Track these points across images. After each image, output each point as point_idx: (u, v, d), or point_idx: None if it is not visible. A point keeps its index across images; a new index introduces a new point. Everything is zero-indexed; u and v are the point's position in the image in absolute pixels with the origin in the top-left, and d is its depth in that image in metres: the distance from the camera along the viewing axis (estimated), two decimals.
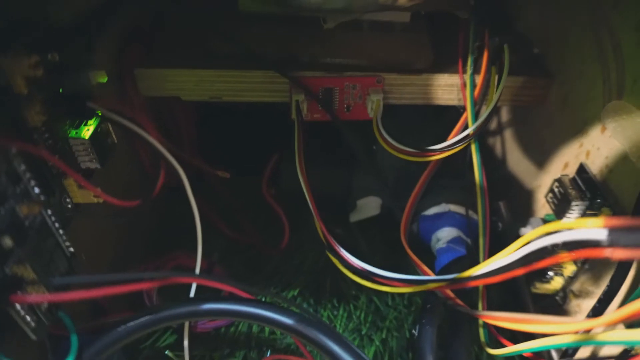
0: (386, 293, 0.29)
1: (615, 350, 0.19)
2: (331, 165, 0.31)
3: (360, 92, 0.27)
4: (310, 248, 0.32)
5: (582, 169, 0.24)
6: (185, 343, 0.22)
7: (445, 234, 0.28)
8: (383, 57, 0.27)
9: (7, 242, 0.14)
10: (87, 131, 0.20)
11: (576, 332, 0.15)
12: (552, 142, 0.28)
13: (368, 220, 0.31)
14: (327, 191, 0.30)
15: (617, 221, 0.13)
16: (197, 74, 0.26)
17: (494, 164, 0.35)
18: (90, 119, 0.20)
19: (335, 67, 0.26)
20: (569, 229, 0.14)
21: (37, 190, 0.16)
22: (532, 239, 0.15)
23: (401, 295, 0.29)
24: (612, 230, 0.13)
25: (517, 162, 0.32)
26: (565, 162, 0.26)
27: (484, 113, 0.24)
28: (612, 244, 0.13)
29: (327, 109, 0.26)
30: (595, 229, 0.13)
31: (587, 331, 0.15)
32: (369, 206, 0.30)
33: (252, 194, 0.33)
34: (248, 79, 0.27)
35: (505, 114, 0.35)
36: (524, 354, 0.18)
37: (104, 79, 0.20)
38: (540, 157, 0.29)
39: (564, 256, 0.14)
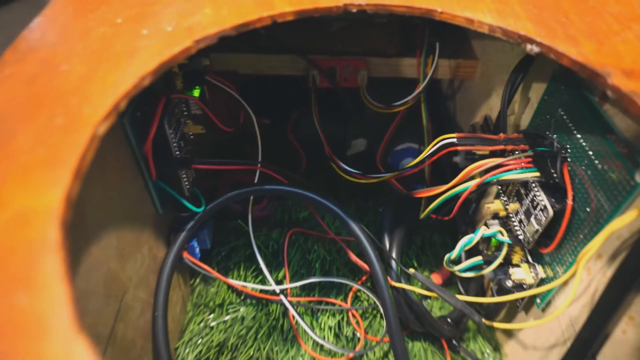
0: (368, 200, 0.46)
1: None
2: (334, 118, 0.48)
3: (353, 69, 0.43)
4: (318, 174, 0.49)
5: (485, 119, 0.41)
6: (249, 217, 0.39)
7: (407, 162, 0.45)
8: (368, 46, 0.43)
9: (188, 148, 0.31)
10: (196, 92, 0.36)
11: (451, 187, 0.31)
12: (476, 102, 0.44)
13: (358, 154, 0.48)
14: (331, 135, 0.47)
15: (461, 134, 0.30)
16: (249, 57, 0.42)
17: (449, 118, 0.52)
18: (197, 85, 0.37)
19: (336, 53, 0.42)
20: (446, 138, 0.31)
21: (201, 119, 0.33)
22: (435, 143, 0.32)
23: (377, 201, 0.46)
24: (459, 138, 0.30)
25: (461, 115, 0.49)
26: (482, 114, 0.43)
27: (425, 81, 0.40)
28: (459, 144, 0.30)
29: (331, 80, 0.43)
30: (452, 138, 0.30)
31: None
32: (359, 144, 0.47)
33: (279, 138, 0.50)
34: (280, 60, 0.43)
35: (455, 85, 0.51)
36: (433, 215, 0.35)
37: (208, 63, 0.36)
38: (471, 113, 0.46)
39: (445, 151, 0.31)
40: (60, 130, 0.16)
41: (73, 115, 0.17)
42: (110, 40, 0.21)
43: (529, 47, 0.22)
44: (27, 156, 0.16)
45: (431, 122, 0.43)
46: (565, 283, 0.28)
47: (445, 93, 0.54)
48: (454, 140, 0.30)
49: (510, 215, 0.31)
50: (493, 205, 0.34)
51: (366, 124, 0.48)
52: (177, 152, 0.31)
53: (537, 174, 0.27)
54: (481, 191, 0.40)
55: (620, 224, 0.21)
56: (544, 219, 0.27)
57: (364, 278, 0.40)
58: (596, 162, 0.25)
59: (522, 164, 0.28)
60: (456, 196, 0.31)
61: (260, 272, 0.39)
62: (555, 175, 0.27)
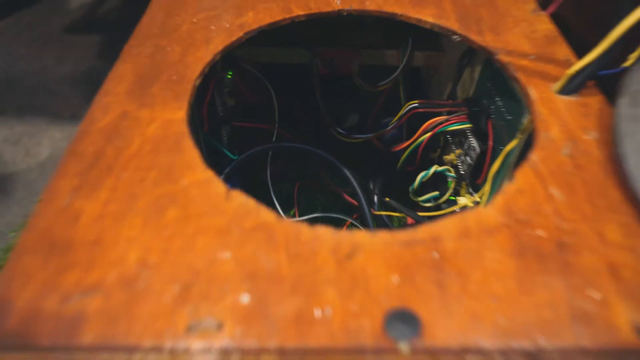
0: (360, 161, 0.59)
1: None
2: (338, 102, 0.61)
3: (349, 58, 0.56)
4: (323, 144, 0.61)
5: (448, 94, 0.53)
6: (268, 171, 0.52)
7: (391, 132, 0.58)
8: (360, 40, 0.56)
9: (227, 112, 0.44)
10: (230, 74, 0.49)
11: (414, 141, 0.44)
12: (444, 84, 0.57)
13: (353, 126, 0.61)
14: (335, 113, 0.60)
15: (421, 100, 0.43)
16: (266, 49, 0.55)
17: (426, 97, 0.64)
18: (230, 69, 0.50)
19: (335, 46, 0.55)
20: (412, 104, 0.43)
21: (233, 94, 0.46)
22: (405, 107, 0.45)
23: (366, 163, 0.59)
24: (420, 103, 0.43)
25: (434, 95, 0.62)
26: (447, 92, 0.56)
27: (400, 67, 0.53)
28: (419, 107, 0.43)
29: (330, 67, 0.56)
30: (416, 103, 0.43)
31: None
32: (353, 119, 0.60)
33: (291, 115, 0.63)
34: (290, 51, 0.56)
35: (431, 72, 0.64)
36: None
37: (239, 53, 0.49)
38: (441, 92, 0.59)
39: (411, 112, 0.44)
40: (176, 82, 0.29)
41: (181, 75, 0.30)
42: (192, 32, 0.34)
43: (454, 37, 0.35)
44: (162, 96, 0.29)
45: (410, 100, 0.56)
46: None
47: (424, 79, 0.67)
48: (417, 104, 0.43)
49: (457, 159, 0.44)
50: (449, 156, 0.47)
51: (360, 103, 0.61)
52: (221, 114, 0.44)
53: (471, 125, 0.40)
54: (444, 147, 0.53)
55: (508, 148, 0.34)
56: (474, 155, 0.40)
57: (355, 216, 0.53)
58: (506, 115, 0.38)
59: (461, 119, 0.41)
60: (418, 146, 0.44)
61: (276, 211, 0.52)
62: (482, 126, 0.40)
